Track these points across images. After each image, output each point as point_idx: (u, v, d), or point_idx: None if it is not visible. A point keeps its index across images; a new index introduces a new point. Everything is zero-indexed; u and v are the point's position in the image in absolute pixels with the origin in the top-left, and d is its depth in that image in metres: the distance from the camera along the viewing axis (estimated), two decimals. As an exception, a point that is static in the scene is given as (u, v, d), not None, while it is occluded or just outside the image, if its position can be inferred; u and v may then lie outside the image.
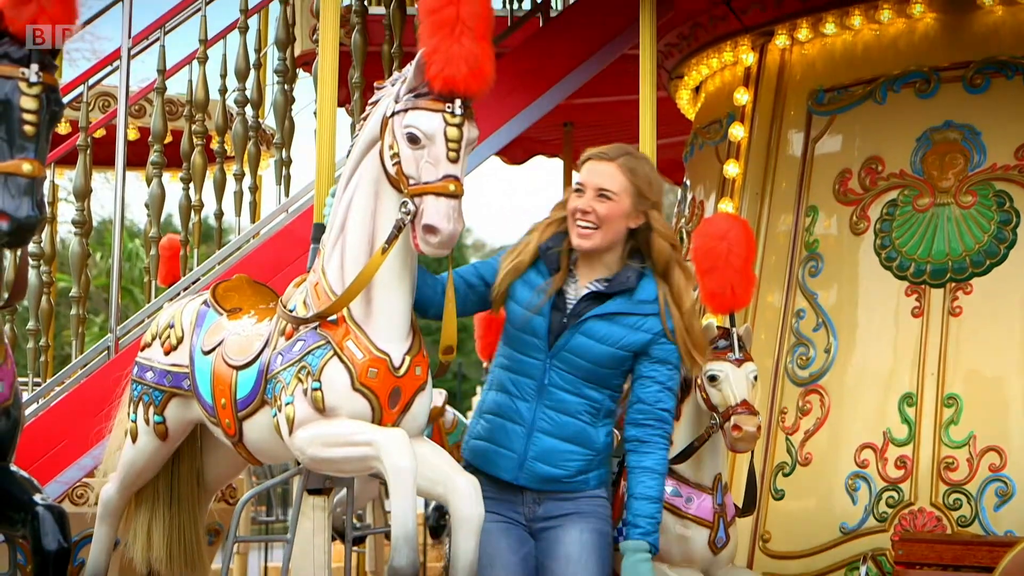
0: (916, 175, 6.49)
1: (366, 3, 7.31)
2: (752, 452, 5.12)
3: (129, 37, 6.76)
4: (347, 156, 4.16)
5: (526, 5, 8.44)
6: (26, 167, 3.69)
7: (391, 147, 3.86)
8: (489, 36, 3.76)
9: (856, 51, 6.88)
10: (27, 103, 3.74)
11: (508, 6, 8.07)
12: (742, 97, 7.24)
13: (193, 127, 6.97)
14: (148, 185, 6.89)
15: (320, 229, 4.33)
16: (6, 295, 4.42)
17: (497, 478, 4.14)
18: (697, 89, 8.17)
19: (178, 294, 6.56)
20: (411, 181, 3.79)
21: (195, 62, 7.06)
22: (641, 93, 5.79)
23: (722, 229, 5.14)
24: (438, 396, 9.02)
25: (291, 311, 4.12)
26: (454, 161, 3.78)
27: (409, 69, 3.86)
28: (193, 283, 6.60)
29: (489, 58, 3.77)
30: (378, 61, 7.29)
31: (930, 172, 6.47)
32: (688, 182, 8.03)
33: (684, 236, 7.79)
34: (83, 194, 6.77)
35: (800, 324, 6.66)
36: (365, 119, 4.08)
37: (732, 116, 7.30)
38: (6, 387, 4.07)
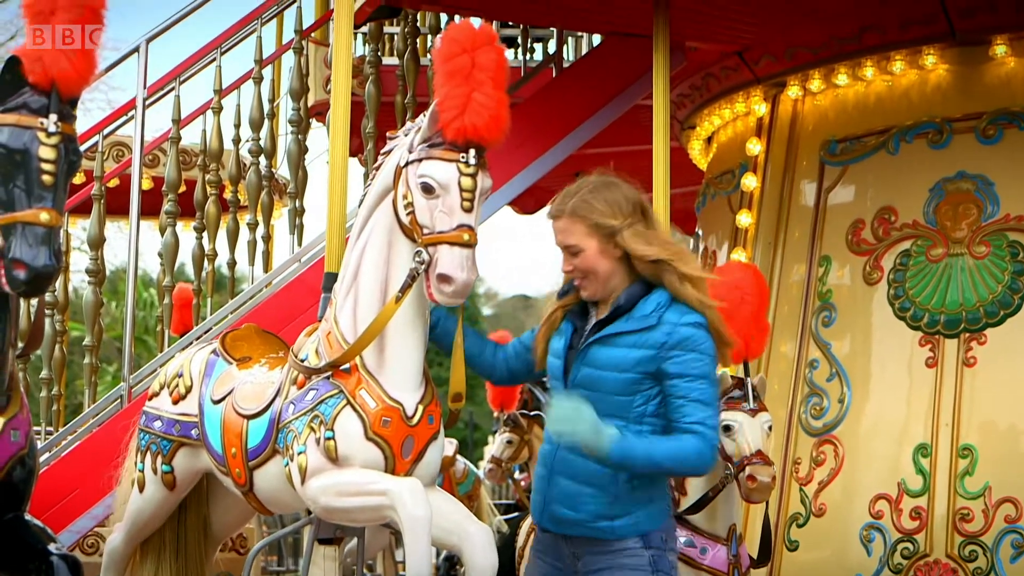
0: (929, 225, 6.50)
1: (379, 54, 7.34)
2: (766, 502, 5.10)
3: (144, 87, 6.80)
4: (359, 206, 4.17)
5: (538, 56, 8.49)
6: (44, 216, 3.70)
7: (405, 196, 3.86)
8: (504, 85, 3.76)
9: (868, 102, 6.90)
10: (45, 153, 3.75)
11: (521, 56, 8.10)
12: (754, 147, 7.26)
13: (207, 177, 6.98)
14: (162, 234, 6.91)
15: (331, 278, 4.33)
16: (21, 345, 4.42)
17: (541, 526, 3.97)
18: (709, 139, 8.20)
19: (191, 343, 6.56)
20: (425, 230, 3.79)
21: (209, 112, 7.08)
22: (655, 143, 5.81)
23: (735, 278, 5.14)
24: (449, 446, 9.00)
25: (303, 360, 4.11)
26: (468, 211, 3.78)
27: (423, 119, 3.87)
28: (205, 332, 6.60)
29: (504, 107, 3.76)
30: (391, 111, 7.32)
31: (943, 222, 6.47)
32: (700, 232, 8.05)
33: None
34: (97, 243, 6.79)
35: (814, 374, 6.65)
36: (378, 169, 4.08)
37: (744, 166, 7.32)
38: (22, 436, 4.05)
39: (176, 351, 6.49)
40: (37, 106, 3.77)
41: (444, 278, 3.71)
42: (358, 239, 4.06)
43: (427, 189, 3.79)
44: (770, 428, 4.99)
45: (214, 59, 6.98)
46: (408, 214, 3.85)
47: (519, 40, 8.35)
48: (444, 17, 7.80)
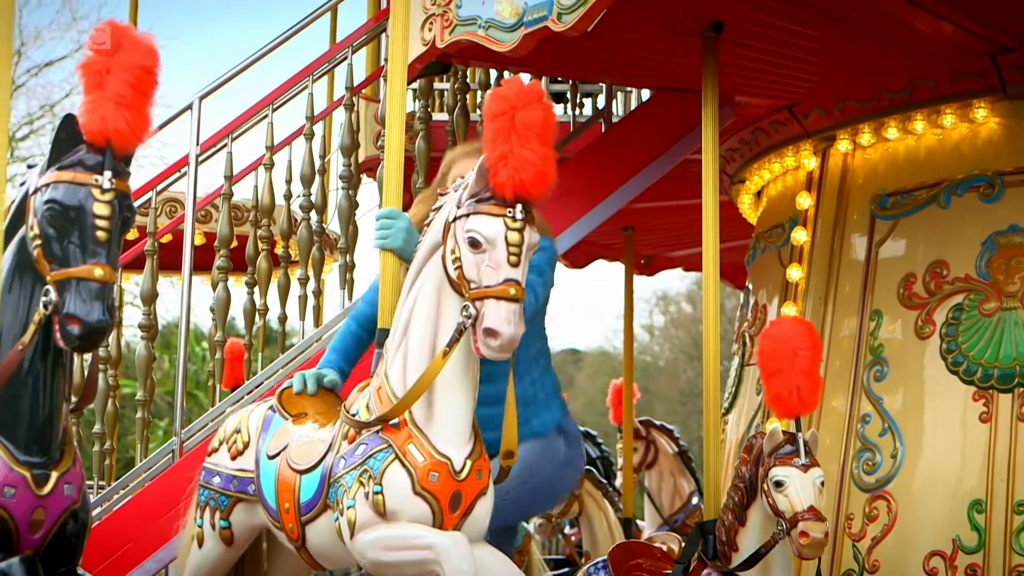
0: (982, 279, 6.44)
1: (429, 109, 7.39)
2: (819, 559, 5.05)
3: (197, 144, 6.87)
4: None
5: (587, 111, 8.52)
6: (98, 272, 3.74)
7: (453, 251, 3.90)
8: (551, 141, 3.80)
9: (919, 155, 6.87)
10: (100, 209, 3.79)
11: (571, 112, 8.13)
12: (804, 201, 7.24)
13: (258, 232, 7.04)
14: (214, 289, 6.96)
15: (384, 333, 4.36)
16: (75, 399, 4.45)
17: None
18: (759, 193, 8.19)
19: (241, 398, 6.59)
20: (472, 285, 3.82)
21: (261, 168, 7.15)
22: (704, 198, 5.80)
23: (787, 332, 5.13)
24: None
25: (354, 415, 4.13)
26: (515, 265, 3.81)
27: (471, 175, 3.90)
28: (256, 387, 6.63)
29: (551, 163, 3.80)
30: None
31: (996, 276, 6.41)
32: (751, 286, 8.01)
33: (747, 340, 7.76)
34: (150, 298, 6.84)
35: (866, 429, 6.59)
36: (428, 224, 4.12)
37: (794, 220, 7.30)
38: (75, 490, 4.08)
39: (227, 406, 6.53)
40: (92, 163, 3.82)
41: (490, 332, 3.74)
42: (409, 294, 4.10)
43: (474, 244, 3.82)
44: (822, 483, 4.95)
45: (266, 116, 7.04)
46: (456, 269, 3.88)
47: (568, 95, 8.38)
48: (494, 73, 7.85)
